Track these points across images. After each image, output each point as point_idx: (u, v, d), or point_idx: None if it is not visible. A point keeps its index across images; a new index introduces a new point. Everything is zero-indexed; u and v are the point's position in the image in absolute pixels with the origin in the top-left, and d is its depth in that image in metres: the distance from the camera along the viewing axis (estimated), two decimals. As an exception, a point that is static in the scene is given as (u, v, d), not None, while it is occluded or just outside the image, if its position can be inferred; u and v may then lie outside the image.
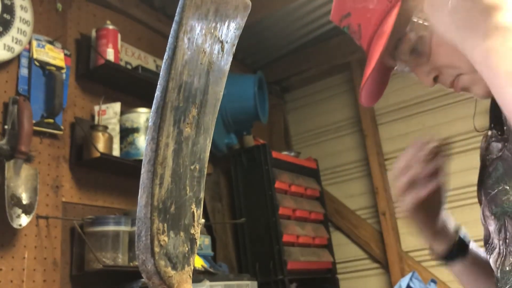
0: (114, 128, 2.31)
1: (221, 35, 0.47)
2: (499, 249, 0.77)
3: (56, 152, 2.14)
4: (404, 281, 2.36)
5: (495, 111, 0.83)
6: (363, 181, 3.46)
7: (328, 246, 3.24)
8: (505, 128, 0.81)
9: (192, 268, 0.46)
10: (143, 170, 0.40)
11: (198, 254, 2.39)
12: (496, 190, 0.79)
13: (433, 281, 2.46)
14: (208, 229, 2.80)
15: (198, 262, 2.29)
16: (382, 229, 3.26)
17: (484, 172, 0.84)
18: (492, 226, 0.80)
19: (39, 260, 1.96)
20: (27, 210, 1.87)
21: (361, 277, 3.37)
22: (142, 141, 2.35)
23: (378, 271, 3.32)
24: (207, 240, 2.56)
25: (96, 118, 2.29)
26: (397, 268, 3.13)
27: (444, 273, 3.00)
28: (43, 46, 2.14)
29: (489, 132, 0.85)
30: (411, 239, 3.18)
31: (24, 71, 2.08)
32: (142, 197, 0.39)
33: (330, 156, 3.61)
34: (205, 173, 0.49)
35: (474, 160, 0.95)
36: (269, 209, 2.87)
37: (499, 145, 0.81)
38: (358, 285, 3.35)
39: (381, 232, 3.26)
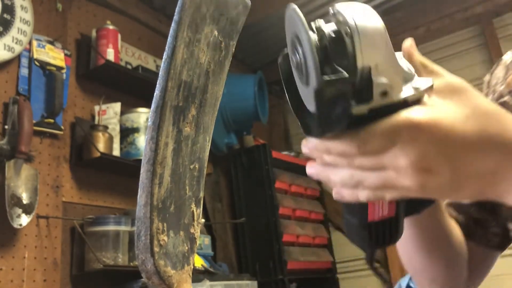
0: (114, 128, 2.32)
1: (221, 34, 0.47)
2: None
3: (56, 152, 2.14)
4: (404, 281, 2.36)
5: None
6: (363, 181, 3.46)
7: (328, 246, 3.24)
8: None
9: (192, 267, 0.46)
10: (142, 170, 0.40)
11: (198, 254, 2.39)
12: None
13: (433, 281, 2.46)
14: (208, 229, 2.80)
15: (198, 262, 2.29)
16: (382, 229, 3.25)
17: None
18: None
19: (39, 260, 1.96)
20: (27, 210, 1.87)
21: (361, 277, 3.37)
22: (142, 141, 2.35)
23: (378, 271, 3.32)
24: (207, 240, 2.56)
25: (96, 118, 2.29)
26: (397, 267, 3.13)
27: (444, 273, 3.00)
28: (43, 46, 2.14)
29: None
30: (411, 239, 3.18)
31: (24, 71, 2.08)
32: (141, 197, 0.39)
33: (330, 156, 3.60)
34: (205, 172, 0.49)
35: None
36: (269, 209, 2.87)
37: None
38: (358, 285, 3.35)
39: (381, 232, 3.26)
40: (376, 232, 0.55)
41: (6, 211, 1.79)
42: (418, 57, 0.50)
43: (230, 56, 0.49)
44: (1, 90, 2.00)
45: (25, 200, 1.88)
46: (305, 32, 0.42)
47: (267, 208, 2.88)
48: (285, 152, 3.30)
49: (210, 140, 0.49)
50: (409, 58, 0.50)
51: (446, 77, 0.49)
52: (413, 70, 0.47)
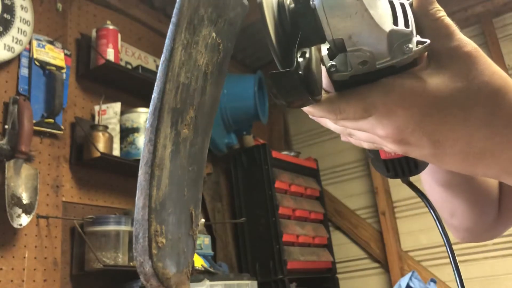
0: (114, 128, 2.32)
1: (219, 36, 0.47)
2: None
3: (56, 152, 2.14)
4: (403, 281, 2.36)
5: None
6: (363, 181, 3.46)
7: (328, 246, 3.24)
8: None
9: (191, 269, 0.46)
10: (140, 172, 0.40)
11: (198, 253, 2.40)
12: None
13: (433, 280, 2.46)
14: (208, 229, 2.80)
15: (198, 262, 2.29)
16: (382, 229, 3.26)
17: None
18: None
19: (39, 260, 1.96)
20: (27, 209, 1.87)
21: (361, 276, 3.37)
22: (142, 141, 2.35)
23: (378, 271, 3.32)
24: (207, 240, 2.56)
25: (96, 118, 2.29)
26: (396, 267, 3.13)
27: (444, 273, 3.00)
28: (44, 46, 2.14)
29: None
30: (411, 239, 3.18)
31: (24, 71, 2.08)
32: (139, 199, 0.39)
33: (330, 156, 3.61)
34: (203, 174, 0.49)
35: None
36: (269, 209, 2.87)
37: None
38: (358, 284, 3.35)
39: (381, 231, 3.26)
40: (393, 166, 0.54)
41: (6, 211, 1.79)
42: (429, 7, 0.44)
43: (229, 58, 0.49)
44: (1, 90, 2.00)
45: (25, 200, 1.88)
46: (264, 20, 0.41)
47: (267, 208, 2.88)
48: (285, 152, 3.30)
49: (209, 142, 0.49)
50: (420, 6, 0.44)
51: (455, 39, 0.43)
52: (412, 27, 0.41)
